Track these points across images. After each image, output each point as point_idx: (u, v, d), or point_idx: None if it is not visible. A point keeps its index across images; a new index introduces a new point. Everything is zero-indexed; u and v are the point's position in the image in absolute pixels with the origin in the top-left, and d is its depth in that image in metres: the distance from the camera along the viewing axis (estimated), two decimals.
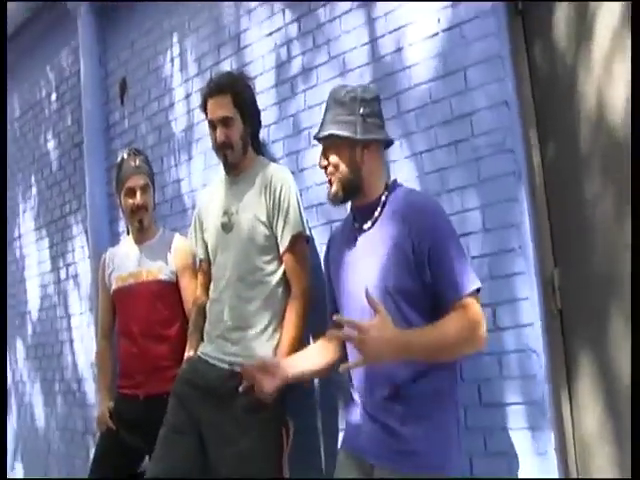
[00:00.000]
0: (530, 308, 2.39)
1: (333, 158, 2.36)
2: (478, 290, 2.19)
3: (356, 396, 2.38)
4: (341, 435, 2.81)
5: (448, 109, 2.61)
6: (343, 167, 2.35)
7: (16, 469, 5.66)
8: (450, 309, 2.16)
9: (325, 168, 2.39)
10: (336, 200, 2.40)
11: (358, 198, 2.39)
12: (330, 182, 2.38)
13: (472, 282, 2.19)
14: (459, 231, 2.48)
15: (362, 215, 2.39)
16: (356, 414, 2.37)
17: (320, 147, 2.44)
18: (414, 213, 2.26)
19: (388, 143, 2.49)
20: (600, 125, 2.37)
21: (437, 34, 2.65)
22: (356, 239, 2.40)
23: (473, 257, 2.50)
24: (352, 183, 2.36)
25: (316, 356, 2.56)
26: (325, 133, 2.36)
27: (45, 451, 5.19)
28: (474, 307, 2.16)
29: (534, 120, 2.52)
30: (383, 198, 2.36)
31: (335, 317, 2.16)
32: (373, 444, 2.27)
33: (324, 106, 2.46)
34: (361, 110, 2.35)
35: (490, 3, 2.51)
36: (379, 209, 2.35)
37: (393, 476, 2.19)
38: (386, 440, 2.22)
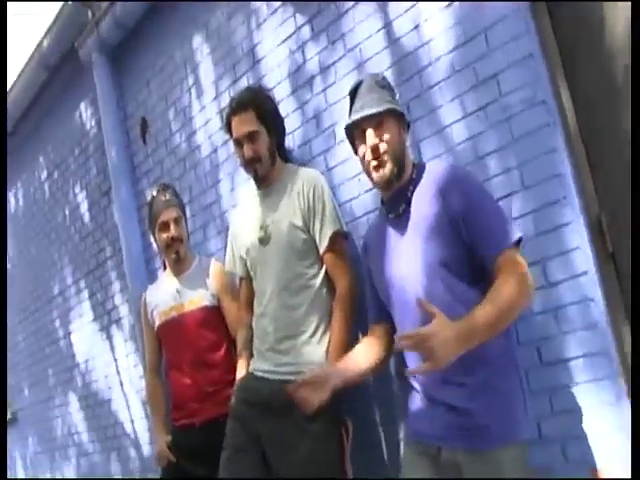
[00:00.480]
0: (582, 257, 2.29)
1: (386, 135, 2.29)
2: (519, 242, 2.13)
3: (414, 382, 2.30)
4: (400, 424, 2.75)
5: (473, 75, 2.54)
6: (396, 144, 2.31)
7: None
8: (494, 266, 2.10)
9: (375, 148, 2.28)
10: (390, 181, 2.30)
11: (396, 183, 2.32)
12: (378, 163, 2.29)
13: (512, 233, 2.13)
14: (499, 194, 2.45)
15: (395, 201, 2.34)
16: (416, 400, 2.30)
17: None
18: (442, 180, 2.23)
19: None
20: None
21: (451, 4, 2.60)
22: (393, 227, 2.35)
23: (517, 217, 2.41)
24: (401, 162, 2.32)
25: (365, 356, 2.49)
26: (384, 107, 2.30)
27: None
28: (517, 259, 2.10)
29: (561, 69, 2.42)
30: (414, 176, 2.32)
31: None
32: (438, 427, 2.20)
33: (347, 100, 2.43)
34: (396, 97, 2.41)
35: None
36: (411, 188, 2.31)
37: (462, 456, 2.13)
38: (451, 420, 2.15)
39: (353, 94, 2.39)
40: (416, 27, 2.73)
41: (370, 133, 2.29)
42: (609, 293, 2.31)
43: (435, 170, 2.31)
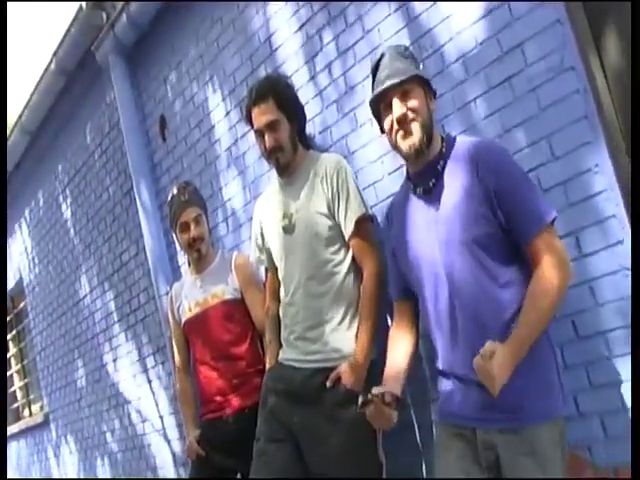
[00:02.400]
0: (618, 225, 2.16)
1: (413, 102, 2.16)
2: (553, 221, 2.05)
3: (443, 365, 2.21)
4: (432, 406, 2.66)
5: (496, 46, 2.42)
6: (424, 112, 2.18)
7: None
8: (530, 247, 2.03)
9: (402, 117, 2.15)
10: (420, 150, 2.16)
11: (425, 154, 2.19)
12: (406, 132, 2.16)
13: (547, 213, 2.04)
14: (529, 166, 2.33)
15: (424, 176, 2.22)
16: (448, 382, 2.21)
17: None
18: (476, 156, 2.12)
19: None
20: None
21: None
22: (421, 203, 2.23)
23: (548, 188, 2.30)
24: (430, 131, 2.19)
25: (405, 352, 2.39)
26: (409, 75, 2.17)
27: None
28: (555, 242, 2.03)
29: (590, 35, 2.28)
30: (444, 150, 2.20)
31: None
32: (471, 408, 2.12)
33: (368, 82, 2.34)
34: (421, 67, 2.29)
35: None
36: (441, 162, 2.18)
37: (498, 437, 2.06)
38: (484, 400, 2.04)
39: (375, 68, 2.27)
40: (434, 3, 2.62)
41: (396, 102, 2.16)
42: None
43: (467, 145, 2.18)
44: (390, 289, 2.49)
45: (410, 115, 2.15)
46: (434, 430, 2.56)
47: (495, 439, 2.06)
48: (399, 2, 2.76)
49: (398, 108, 2.16)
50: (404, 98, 2.17)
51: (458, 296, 2.11)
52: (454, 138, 2.26)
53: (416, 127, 2.15)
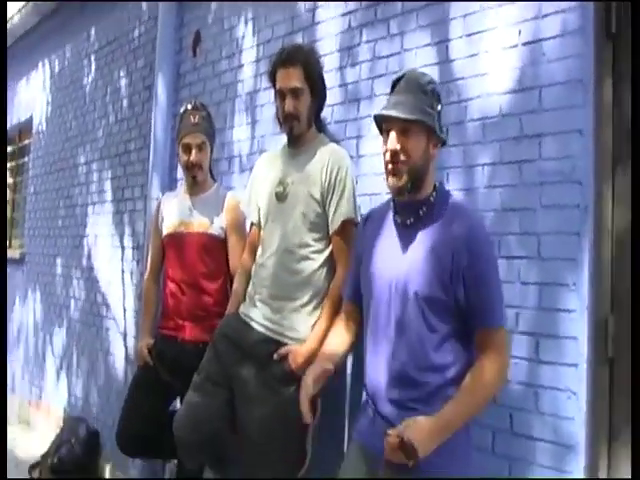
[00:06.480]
0: (576, 349, 2.16)
1: (409, 143, 2.05)
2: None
3: (370, 396, 2.21)
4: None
5: (517, 126, 2.34)
6: (417, 157, 2.07)
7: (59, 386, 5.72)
8: (479, 338, 2.04)
9: (394, 153, 2.06)
10: (402, 192, 2.08)
11: (410, 194, 2.11)
12: (394, 170, 2.07)
13: (503, 315, 2.06)
14: (514, 254, 2.31)
15: (406, 210, 2.14)
16: (369, 413, 2.18)
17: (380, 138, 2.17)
18: (460, 227, 2.02)
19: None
20: None
21: (516, 46, 2.37)
22: (395, 233, 2.17)
23: (524, 283, 2.29)
24: (419, 176, 2.08)
25: (341, 342, 2.42)
26: (412, 117, 2.04)
27: (89, 371, 5.20)
28: (502, 342, 2.05)
29: (610, 154, 2.21)
30: (432, 199, 2.11)
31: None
32: (378, 438, 2.04)
33: (397, 86, 2.16)
34: (438, 107, 2.12)
35: (578, 23, 2.21)
36: (424, 209, 2.11)
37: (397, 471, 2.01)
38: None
39: (394, 85, 2.16)
40: (474, 55, 2.52)
41: (393, 136, 2.06)
42: (596, 394, 2.20)
43: (459, 212, 2.09)
44: (344, 287, 2.49)
45: (402, 156, 2.06)
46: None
47: (394, 472, 2.03)
48: (442, 35, 2.65)
49: (393, 143, 2.06)
50: (402, 136, 2.06)
51: (397, 329, 2.09)
52: (448, 193, 2.18)
53: (404, 169, 2.06)
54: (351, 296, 2.41)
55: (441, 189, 2.17)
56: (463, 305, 2.03)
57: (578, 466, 2.13)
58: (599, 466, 2.15)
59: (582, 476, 2.12)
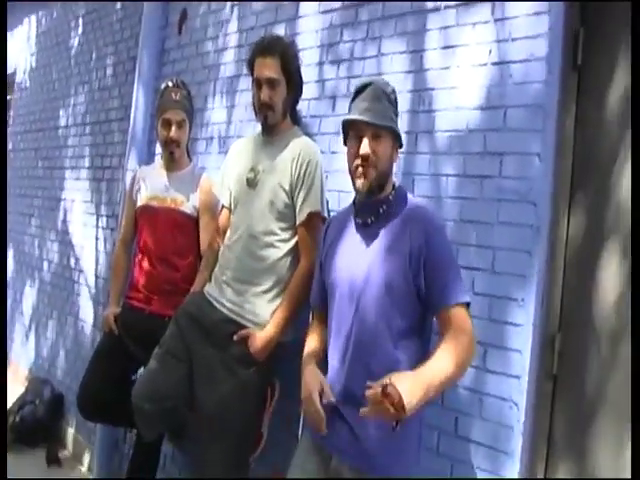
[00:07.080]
0: (520, 362, 2.26)
1: (380, 148, 2.18)
2: (468, 305, 2.11)
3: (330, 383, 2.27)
4: None
5: (482, 142, 2.43)
6: (385, 160, 2.21)
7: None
8: (439, 317, 2.10)
9: (366, 157, 2.17)
10: (370, 192, 2.21)
11: (375, 195, 2.24)
12: (365, 173, 2.19)
13: (463, 294, 2.10)
14: (471, 264, 2.39)
15: (366, 210, 2.26)
16: (329, 407, 2.23)
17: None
18: (416, 219, 2.16)
19: None
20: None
21: (485, 64, 2.45)
22: (356, 233, 2.29)
23: (476, 294, 2.38)
24: (385, 178, 2.23)
25: (318, 347, 2.45)
26: (384, 124, 2.18)
27: (57, 334, 5.24)
28: (465, 319, 2.07)
29: (569, 179, 2.32)
30: (390, 198, 2.25)
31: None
32: (336, 437, 2.19)
33: (363, 92, 2.24)
34: (397, 113, 2.29)
35: (545, 50, 2.29)
36: (384, 207, 2.24)
37: (348, 472, 2.14)
38: (347, 437, 2.15)
39: (359, 91, 2.25)
40: (446, 68, 2.60)
41: (365, 141, 2.17)
42: (538, 405, 2.32)
43: (414, 205, 2.24)
44: (311, 295, 2.56)
45: (373, 159, 2.18)
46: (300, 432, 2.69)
47: (345, 473, 2.15)
48: (418, 45, 2.72)
49: (366, 147, 2.17)
50: (374, 139, 2.18)
51: (358, 329, 2.17)
52: (406, 192, 2.30)
53: (374, 172, 2.18)
54: (318, 302, 2.50)
55: (399, 189, 2.30)
56: (423, 293, 2.11)
57: (513, 471, 2.25)
58: (536, 472, 2.30)
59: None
